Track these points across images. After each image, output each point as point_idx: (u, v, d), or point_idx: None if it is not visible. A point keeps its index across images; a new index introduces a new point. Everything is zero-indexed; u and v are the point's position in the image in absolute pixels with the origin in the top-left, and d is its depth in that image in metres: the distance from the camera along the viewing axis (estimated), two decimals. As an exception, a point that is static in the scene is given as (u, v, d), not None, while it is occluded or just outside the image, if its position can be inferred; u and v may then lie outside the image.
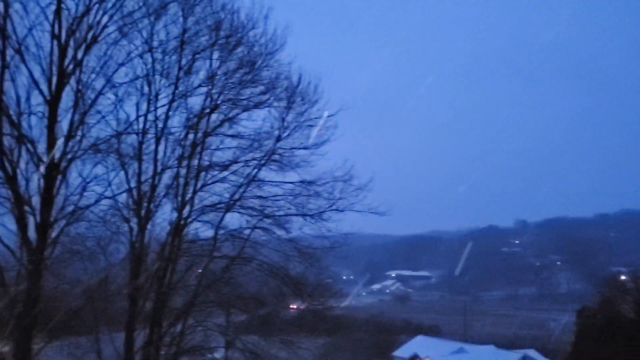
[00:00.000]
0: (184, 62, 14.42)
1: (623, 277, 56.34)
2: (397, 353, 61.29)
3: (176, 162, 14.87)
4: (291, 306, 20.48)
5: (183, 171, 15.04)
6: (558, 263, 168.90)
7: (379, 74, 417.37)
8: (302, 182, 15.83)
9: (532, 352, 52.34)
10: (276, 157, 15.76)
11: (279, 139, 15.60)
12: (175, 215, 15.04)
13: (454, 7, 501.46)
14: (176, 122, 15.02)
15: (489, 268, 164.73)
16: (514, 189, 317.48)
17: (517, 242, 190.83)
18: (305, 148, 15.72)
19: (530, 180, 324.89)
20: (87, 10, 12.10)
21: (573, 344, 36.44)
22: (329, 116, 15.51)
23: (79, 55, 12.31)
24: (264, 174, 15.98)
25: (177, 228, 15.04)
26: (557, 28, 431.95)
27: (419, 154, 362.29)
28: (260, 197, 16.15)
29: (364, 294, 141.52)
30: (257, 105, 15.52)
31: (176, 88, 14.50)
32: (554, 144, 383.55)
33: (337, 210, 15.82)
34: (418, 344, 60.58)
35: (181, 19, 14.02)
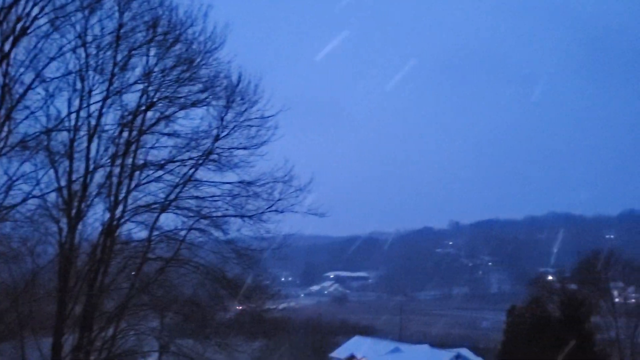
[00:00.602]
0: (119, 58, 13.96)
1: (550, 278, 59.09)
2: (334, 354, 61.76)
3: (109, 160, 14.40)
4: (238, 307, 20.27)
5: (116, 170, 14.57)
6: (489, 264, 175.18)
7: (320, 74, 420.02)
8: (240, 182, 15.68)
9: (464, 351, 53.98)
10: (214, 156, 15.53)
11: (217, 138, 15.39)
12: (107, 215, 14.59)
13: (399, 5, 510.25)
14: (110, 119, 14.53)
15: (424, 268, 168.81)
16: (449, 191, 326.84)
17: (451, 243, 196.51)
18: (244, 148, 15.57)
19: (464, 182, 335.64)
20: (16, 1, 11.57)
21: (503, 343, 37.73)
22: (269, 116, 15.45)
23: (6, 47, 11.76)
24: (202, 174, 15.71)
25: (110, 229, 14.57)
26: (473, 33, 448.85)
27: (359, 155, 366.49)
28: (197, 197, 15.88)
29: (302, 295, 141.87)
30: (195, 104, 15.24)
31: (111, 84, 14.03)
32: (487, 148, 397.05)
33: (276, 211, 15.77)
34: (355, 344, 61.26)
35: (117, 14, 13.56)
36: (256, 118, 15.48)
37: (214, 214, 16.04)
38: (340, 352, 61.22)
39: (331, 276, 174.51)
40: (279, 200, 15.65)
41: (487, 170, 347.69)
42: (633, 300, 55.12)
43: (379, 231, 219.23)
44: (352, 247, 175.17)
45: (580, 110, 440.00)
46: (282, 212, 15.77)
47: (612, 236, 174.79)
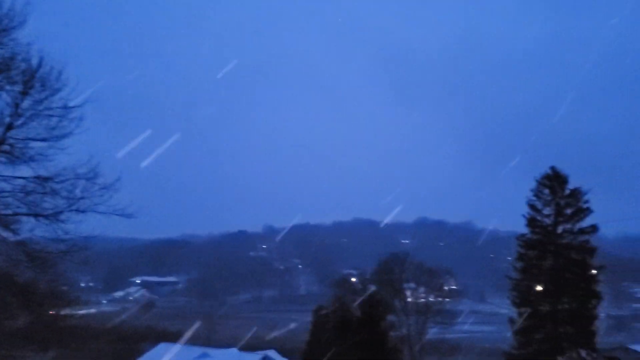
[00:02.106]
0: None
1: (353, 279, 62.90)
2: (138, 363, 58.75)
3: None
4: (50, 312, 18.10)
5: None
6: (299, 266, 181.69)
7: (132, 67, 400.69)
8: (36, 177, 14.14)
9: (271, 353, 54.88)
10: (6, 147, 13.83)
11: (10, 127, 13.69)
12: None
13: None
14: None
15: (237, 272, 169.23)
16: (266, 195, 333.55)
17: (264, 246, 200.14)
18: (43, 140, 14.08)
19: (279, 186, 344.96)
20: None
21: (308, 342, 39.10)
22: (73, 107, 14.12)
23: None
24: (-11, 166, 13.85)
25: None
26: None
27: (172, 154, 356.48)
28: (-19, 192, 13.95)
29: (104, 302, 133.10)
30: (-18, 87, 13.40)
31: None
32: (301, 155, 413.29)
33: (77, 210, 14.49)
34: (160, 351, 58.83)
35: None
36: (58, 107, 14.10)
37: (3, 212, 14.23)
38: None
39: (138, 281, 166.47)
40: (81, 198, 14.41)
41: (302, 175, 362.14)
42: (423, 300, 60.90)
43: (191, 234, 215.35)
44: (162, 250, 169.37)
45: (384, 121, 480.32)
46: (84, 211, 14.54)
47: (407, 241, 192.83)
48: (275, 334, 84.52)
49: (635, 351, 51.75)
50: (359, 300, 43.64)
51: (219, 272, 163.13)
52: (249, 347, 59.55)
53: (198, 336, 77.57)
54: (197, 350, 57.37)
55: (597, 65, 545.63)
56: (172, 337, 71.29)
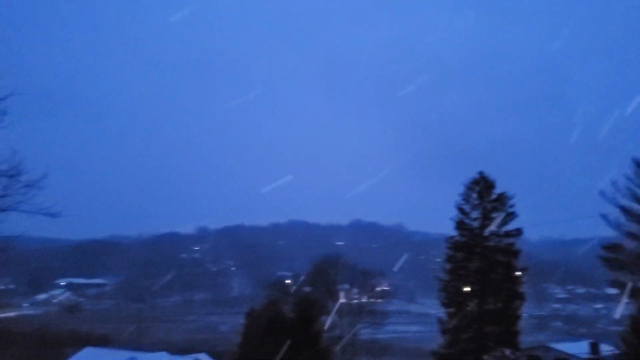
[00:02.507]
0: None
1: (288, 281, 62.79)
2: (61, 368, 56.33)
3: None
4: None
5: None
6: (233, 268, 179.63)
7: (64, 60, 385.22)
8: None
9: (202, 356, 53.97)
10: None
11: None
12: None
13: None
14: None
15: (168, 274, 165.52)
16: (198, 196, 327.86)
17: (197, 248, 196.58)
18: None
19: (213, 187, 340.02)
20: None
21: (239, 345, 38.65)
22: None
23: None
24: None
25: None
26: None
27: (102, 153, 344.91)
28: None
29: (26, 305, 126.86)
30: None
31: None
32: (235, 157, 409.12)
33: (-3, 209, 13.66)
34: (85, 355, 56.68)
35: None
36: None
37: None
38: (68, 365, 56.10)
39: (63, 283, 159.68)
40: (2, 196, 13.61)
41: (237, 177, 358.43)
42: (356, 301, 61.59)
43: (121, 235, 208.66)
44: (90, 251, 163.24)
45: (319, 122, 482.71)
46: (4, 210, 13.74)
47: (341, 243, 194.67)
48: (206, 336, 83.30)
49: (555, 349, 54.31)
50: (293, 301, 43.65)
51: (149, 274, 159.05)
52: (179, 350, 58.38)
53: (126, 340, 75.33)
54: (125, 354, 55.62)
55: (524, 75, 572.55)
56: (99, 341, 68.97)
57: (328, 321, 49.18)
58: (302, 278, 59.53)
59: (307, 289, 53.37)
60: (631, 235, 33.11)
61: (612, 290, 70.61)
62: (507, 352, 32.48)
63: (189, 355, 53.07)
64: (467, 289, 35.29)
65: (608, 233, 34.40)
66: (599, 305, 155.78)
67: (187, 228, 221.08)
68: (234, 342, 42.25)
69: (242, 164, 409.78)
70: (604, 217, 33.57)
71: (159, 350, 58.28)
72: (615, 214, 33.21)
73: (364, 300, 62.14)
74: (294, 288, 53.75)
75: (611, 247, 33.60)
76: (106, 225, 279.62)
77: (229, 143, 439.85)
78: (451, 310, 35.46)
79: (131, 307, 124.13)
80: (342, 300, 60.09)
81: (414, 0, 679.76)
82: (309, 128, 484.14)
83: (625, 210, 32.99)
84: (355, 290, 63.19)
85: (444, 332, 35.49)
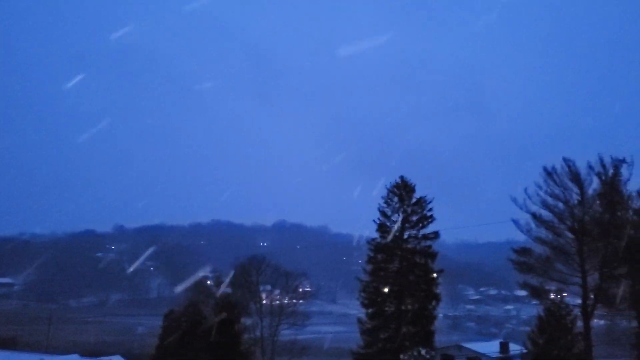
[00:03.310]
0: None
1: (209, 282, 61.78)
2: (-40, 373, 52.74)
3: None
4: None
5: None
6: (152, 269, 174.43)
7: None
8: None
9: (116, 358, 52.20)
10: None
11: None
12: None
13: None
14: None
15: (82, 274, 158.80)
16: (116, 194, 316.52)
17: (113, 247, 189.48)
18: None
19: (132, 185, 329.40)
20: None
21: (157, 347, 37.67)
22: None
23: None
24: None
25: None
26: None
27: (11, 147, 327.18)
28: None
29: None
30: None
31: None
32: (154, 156, 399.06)
33: None
34: (-11, 360, 53.46)
35: None
36: None
37: None
38: (-30, 370, 52.63)
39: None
40: None
41: (158, 175, 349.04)
42: (278, 302, 61.50)
43: (31, 233, 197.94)
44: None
45: (244, 122, 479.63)
46: None
47: (266, 244, 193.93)
48: (121, 338, 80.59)
49: (468, 349, 56.56)
50: (214, 303, 43.00)
51: (61, 274, 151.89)
52: (91, 353, 56.10)
53: (35, 342, 71.59)
54: (34, 357, 53.08)
55: (444, 83, 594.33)
56: (5, 344, 65.11)
57: (249, 323, 48.83)
58: (223, 279, 58.79)
59: (228, 290, 52.73)
60: (540, 240, 35.01)
61: (522, 292, 74.60)
62: (423, 352, 33.47)
63: (102, 358, 51.18)
64: (386, 289, 36.10)
65: (519, 237, 36.26)
66: (509, 307, 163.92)
67: (104, 226, 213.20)
68: (151, 345, 41.13)
69: (165, 163, 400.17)
70: (515, 222, 35.32)
71: (70, 353, 55.95)
72: (525, 219, 35.03)
73: (285, 301, 62.15)
74: (215, 289, 52.96)
75: (521, 251, 35.36)
76: (15, 223, 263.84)
77: (152, 142, 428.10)
78: (371, 310, 36.14)
79: (41, 308, 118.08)
80: (264, 301, 59.86)
81: (339, 8, 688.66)
82: (235, 129, 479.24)
83: (534, 216, 34.84)
84: (277, 292, 63.10)
85: (363, 332, 36.10)
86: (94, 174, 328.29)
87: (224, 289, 51.92)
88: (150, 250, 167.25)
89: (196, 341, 35.12)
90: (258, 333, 52.65)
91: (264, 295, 61.22)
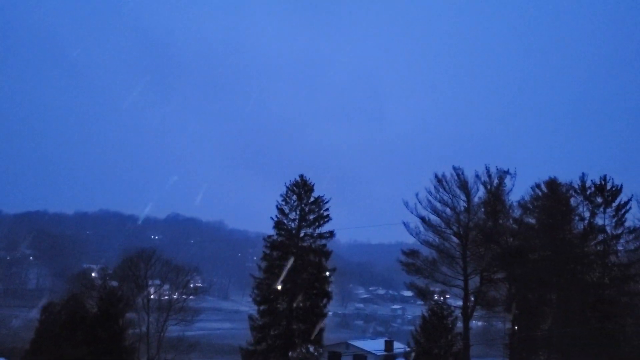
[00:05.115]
0: None
1: (93, 274, 58.86)
2: None
3: None
4: None
5: None
6: (31, 258, 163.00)
7: None
8: None
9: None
10: None
11: None
12: None
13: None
14: None
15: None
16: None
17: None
18: None
19: (10, 169, 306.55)
20: None
21: (32, 341, 35.39)
22: None
23: None
24: None
25: None
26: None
27: None
28: None
29: None
30: None
31: None
32: (42, 138, 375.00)
33: None
34: None
35: None
36: None
37: None
38: None
39: None
40: None
41: (43, 159, 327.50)
42: (166, 297, 59.75)
43: None
44: None
45: (140, 110, 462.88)
46: None
47: (157, 237, 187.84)
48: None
49: (355, 346, 58.19)
50: (97, 296, 41.06)
51: None
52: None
53: None
54: None
55: (347, 88, 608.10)
56: None
57: (135, 317, 47.13)
58: (110, 271, 56.25)
59: (114, 283, 50.50)
60: (427, 243, 36.77)
61: (409, 293, 77.99)
62: (311, 349, 33.95)
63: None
64: (279, 286, 36.24)
65: (409, 240, 37.87)
66: (396, 306, 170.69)
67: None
68: (26, 339, 38.62)
69: (51, 146, 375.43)
70: (406, 225, 36.90)
71: None
72: (415, 222, 36.66)
73: (175, 296, 60.55)
74: (99, 282, 50.53)
75: (409, 252, 36.97)
76: None
77: (37, 122, 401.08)
78: (263, 307, 36.15)
79: None
80: (152, 296, 57.97)
81: (247, 3, 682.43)
82: (132, 118, 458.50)
83: (424, 220, 36.53)
84: (166, 286, 61.34)
85: (253, 329, 36.03)
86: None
87: (109, 281, 49.70)
88: (30, 237, 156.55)
89: (76, 336, 33.35)
90: (144, 328, 50.92)
91: (152, 290, 59.22)
